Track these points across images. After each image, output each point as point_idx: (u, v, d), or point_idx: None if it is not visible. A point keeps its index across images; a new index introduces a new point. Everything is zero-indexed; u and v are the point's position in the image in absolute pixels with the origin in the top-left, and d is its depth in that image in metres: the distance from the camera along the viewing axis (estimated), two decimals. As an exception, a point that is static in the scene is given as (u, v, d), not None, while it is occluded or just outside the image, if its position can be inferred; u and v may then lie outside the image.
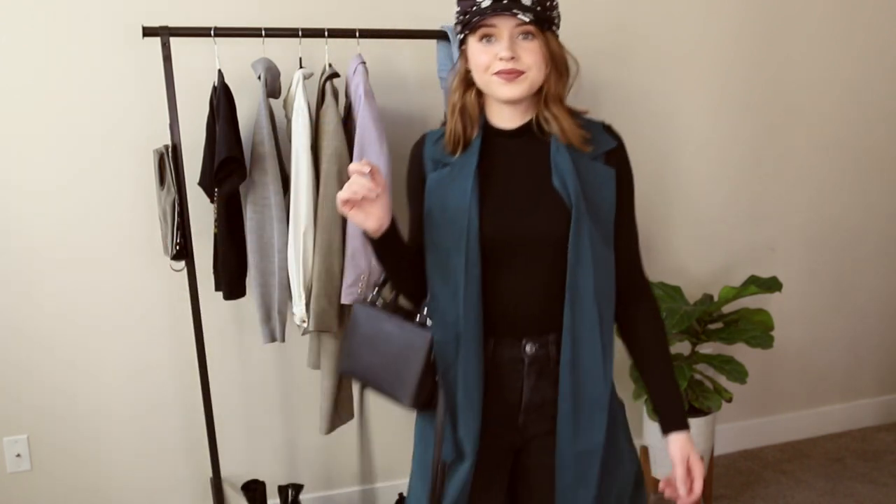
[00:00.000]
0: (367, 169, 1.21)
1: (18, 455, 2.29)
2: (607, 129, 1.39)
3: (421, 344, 1.35)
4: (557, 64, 1.32)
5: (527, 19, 1.25)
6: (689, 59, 2.71)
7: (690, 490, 1.39)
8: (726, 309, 2.59)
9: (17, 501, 2.32)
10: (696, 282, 2.86)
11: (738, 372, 2.47)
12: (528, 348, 1.37)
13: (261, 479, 2.40)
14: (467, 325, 1.33)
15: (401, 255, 1.37)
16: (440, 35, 2.16)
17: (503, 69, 1.27)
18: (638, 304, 1.44)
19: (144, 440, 2.39)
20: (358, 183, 1.21)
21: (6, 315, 2.21)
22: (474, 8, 1.27)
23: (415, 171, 1.43)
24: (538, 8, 1.26)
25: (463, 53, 1.35)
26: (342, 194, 1.22)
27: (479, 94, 1.36)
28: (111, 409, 2.34)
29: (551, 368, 1.38)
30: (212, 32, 1.97)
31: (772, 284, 2.50)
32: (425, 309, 1.40)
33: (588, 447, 1.37)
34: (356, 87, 2.01)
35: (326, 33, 2.03)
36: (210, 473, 2.28)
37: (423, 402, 1.38)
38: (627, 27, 2.61)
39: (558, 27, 1.33)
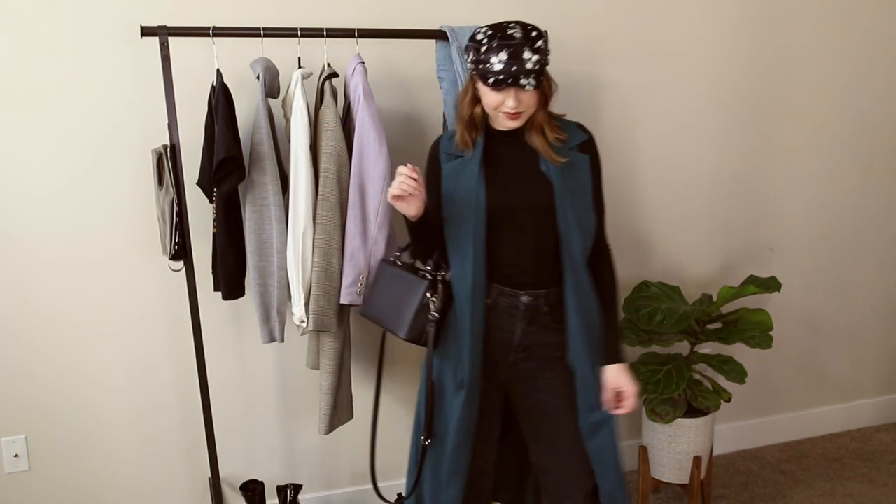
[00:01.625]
0: (415, 175, 1.62)
1: (16, 455, 2.29)
2: (580, 127, 1.81)
3: (417, 289, 1.80)
4: (546, 99, 1.71)
5: (531, 87, 1.63)
6: (687, 59, 2.71)
7: (620, 408, 1.79)
8: (725, 309, 2.59)
9: (15, 502, 2.31)
10: (695, 281, 2.86)
11: (736, 372, 2.47)
12: (523, 299, 1.76)
13: (259, 479, 2.40)
14: (475, 279, 1.72)
15: (428, 230, 1.78)
16: (439, 35, 2.16)
17: (509, 112, 1.66)
18: (598, 259, 1.80)
19: (143, 440, 2.39)
20: (406, 183, 1.62)
21: (4, 315, 2.21)
22: (488, 67, 1.61)
23: (432, 164, 1.84)
24: (538, 67, 1.61)
25: (473, 80, 1.72)
26: (393, 190, 1.64)
27: (483, 110, 1.74)
28: (110, 409, 2.34)
29: (540, 317, 1.77)
30: (210, 32, 1.97)
31: (771, 284, 2.50)
32: (428, 265, 1.82)
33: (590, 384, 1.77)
34: (355, 86, 2.01)
35: (325, 33, 2.03)
36: (209, 473, 2.28)
37: (415, 336, 1.80)
38: (626, 27, 2.61)
39: (548, 65, 1.67)
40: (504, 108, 1.65)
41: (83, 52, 2.14)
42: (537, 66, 1.61)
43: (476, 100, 1.73)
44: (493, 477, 1.95)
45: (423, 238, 1.81)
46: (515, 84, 1.61)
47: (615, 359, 1.78)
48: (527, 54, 1.59)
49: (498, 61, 1.59)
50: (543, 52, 1.63)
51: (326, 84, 2.02)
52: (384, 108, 2.23)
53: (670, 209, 2.81)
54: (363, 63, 2.04)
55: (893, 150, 3.06)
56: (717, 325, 2.60)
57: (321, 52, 2.05)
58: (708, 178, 2.83)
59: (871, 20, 2.90)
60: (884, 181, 3.07)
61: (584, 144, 1.77)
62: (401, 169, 1.63)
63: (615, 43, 2.62)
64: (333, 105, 2.01)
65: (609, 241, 1.84)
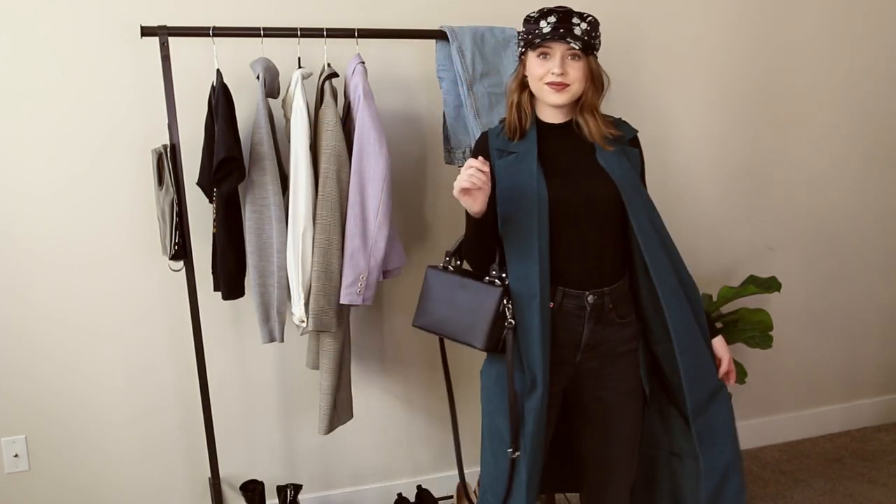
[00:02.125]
0: (486, 168, 1.56)
1: (16, 455, 2.29)
2: (626, 123, 1.82)
3: (493, 297, 1.70)
4: (595, 80, 1.71)
5: (577, 47, 1.64)
6: (687, 58, 2.71)
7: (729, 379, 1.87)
8: (725, 309, 2.59)
9: (15, 502, 2.31)
10: (695, 281, 2.86)
11: (736, 372, 2.46)
12: (589, 299, 1.72)
13: (259, 479, 2.39)
14: (541, 280, 1.66)
15: (492, 231, 1.72)
16: (439, 35, 2.16)
17: (553, 81, 1.66)
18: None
19: (143, 440, 2.39)
20: (476, 176, 1.55)
21: (4, 315, 2.21)
22: (537, 31, 1.66)
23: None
24: (586, 38, 1.66)
25: (522, 62, 1.73)
26: (462, 183, 1.56)
27: (531, 95, 1.74)
28: (110, 409, 2.34)
29: (605, 315, 1.74)
30: (210, 32, 1.97)
31: (771, 284, 2.50)
32: (493, 270, 1.74)
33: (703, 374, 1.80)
34: (355, 86, 2.01)
35: (325, 33, 2.03)
36: (209, 473, 2.28)
37: (493, 345, 1.72)
38: (626, 26, 2.61)
39: (598, 51, 1.71)
40: (549, 77, 1.65)
41: (83, 52, 2.14)
42: (586, 37, 1.64)
43: (524, 85, 1.73)
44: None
45: (483, 238, 1.73)
46: (562, 39, 1.62)
47: (715, 332, 1.85)
48: (576, 20, 1.65)
49: (546, 24, 1.64)
50: (594, 27, 1.67)
51: (326, 84, 2.02)
52: (384, 108, 2.22)
53: (670, 209, 2.80)
54: (363, 63, 2.04)
55: (894, 149, 3.06)
56: (717, 324, 2.60)
57: (321, 52, 2.05)
58: (707, 177, 2.83)
59: (870, 19, 2.90)
60: (884, 181, 3.07)
61: (635, 140, 1.81)
62: (471, 161, 1.56)
63: (615, 43, 2.61)
64: (333, 105, 2.01)
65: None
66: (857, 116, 2.97)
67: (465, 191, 1.58)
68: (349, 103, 2.06)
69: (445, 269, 1.82)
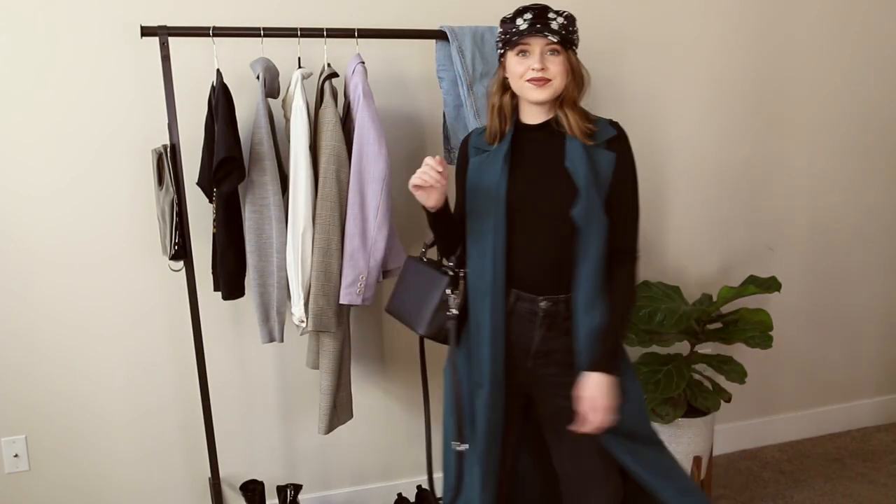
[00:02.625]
0: (441, 168, 1.62)
1: (16, 455, 2.29)
2: (612, 124, 1.73)
3: (439, 285, 1.79)
4: (575, 75, 1.68)
5: (555, 39, 1.62)
6: (686, 58, 2.71)
7: (583, 423, 1.68)
8: (725, 309, 2.59)
9: (15, 502, 2.31)
10: (695, 282, 2.86)
11: (736, 372, 2.47)
12: (542, 304, 1.70)
13: (259, 479, 2.40)
14: (494, 278, 1.68)
15: (448, 224, 1.77)
16: (439, 35, 2.16)
17: (534, 77, 1.64)
18: (619, 264, 1.70)
19: (143, 440, 2.39)
20: (429, 174, 1.62)
21: (4, 315, 2.21)
22: (514, 30, 1.65)
23: (462, 158, 1.83)
24: (563, 32, 1.63)
25: (502, 64, 1.72)
26: (414, 180, 1.63)
27: (513, 96, 1.73)
28: (110, 409, 2.34)
29: (559, 322, 1.71)
30: (210, 32, 1.97)
31: (771, 284, 2.50)
32: (451, 261, 1.80)
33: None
34: (355, 86, 2.01)
35: (325, 33, 2.03)
36: (209, 473, 2.28)
37: (433, 333, 1.80)
38: (625, 26, 2.61)
39: (577, 47, 1.69)
40: (529, 73, 1.63)
41: (83, 52, 2.14)
42: (563, 31, 1.63)
43: (505, 88, 1.72)
44: (510, 483, 1.88)
45: (442, 232, 1.79)
46: (540, 33, 1.61)
47: (599, 366, 1.65)
48: (552, 15, 1.63)
49: (523, 21, 1.63)
50: (571, 21, 1.65)
51: (326, 84, 2.02)
52: (384, 108, 2.22)
53: (670, 209, 2.81)
54: (363, 63, 2.04)
55: (893, 149, 3.05)
56: (717, 325, 2.60)
57: (321, 52, 2.05)
58: (708, 178, 2.83)
59: (869, 18, 2.90)
60: (884, 181, 3.06)
61: (612, 141, 1.70)
62: (427, 160, 1.63)
63: (615, 42, 2.62)
64: (333, 105, 2.01)
65: (637, 250, 1.74)
66: (856, 116, 2.96)
67: (418, 187, 1.64)
68: (349, 103, 2.06)
69: (420, 259, 1.88)
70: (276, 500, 2.37)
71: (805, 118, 2.90)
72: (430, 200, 1.67)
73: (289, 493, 2.35)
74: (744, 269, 2.89)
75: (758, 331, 2.48)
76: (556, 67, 1.64)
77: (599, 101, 2.60)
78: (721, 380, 2.60)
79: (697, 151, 2.80)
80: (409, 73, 2.39)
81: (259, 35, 1.99)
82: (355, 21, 2.13)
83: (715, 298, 2.55)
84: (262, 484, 2.37)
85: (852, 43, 2.89)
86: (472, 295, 1.74)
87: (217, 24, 1.99)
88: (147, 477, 2.41)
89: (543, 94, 1.66)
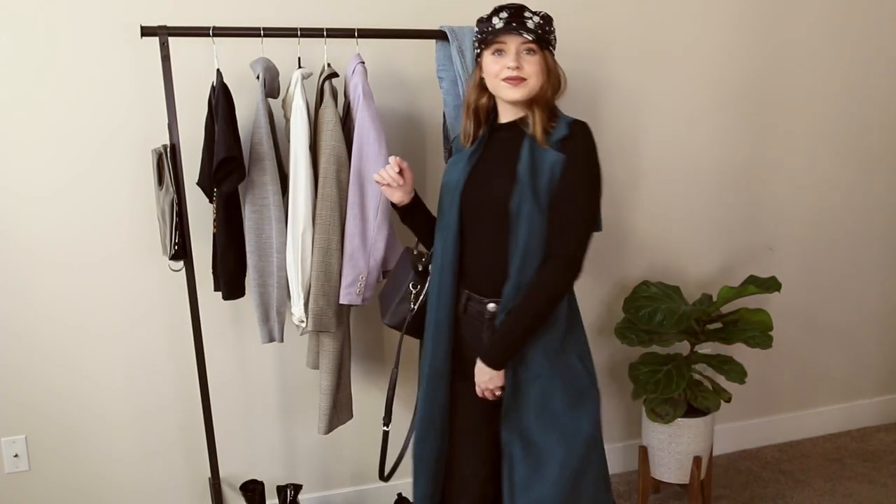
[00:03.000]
0: (397, 168, 1.77)
1: (16, 455, 2.29)
2: (571, 124, 1.68)
3: (405, 277, 1.87)
4: (551, 76, 1.68)
5: (530, 38, 1.62)
6: (687, 59, 2.71)
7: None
8: (725, 309, 2.59)
9: (15, 502, 2.31)
10: (695, 282, 2.86)
11: (736, 372, 2.47)
12: (489, 307, 1.72)
13: (259, 479, 2.40)
14: (441, 278, 1.74)
15: (417, 220, 1.89)
16: (439, 35, 2.16)
17: (509, 76, 1.64)
18: (542, 268, 1.66)
19: (143, 440, 2.39)
20: (387, 173, 1.79)
21: (4, 315, 2.21)
22: (490, 28, 1.65)
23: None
24: (539, 31, 1.64)
25: (479, 65, 1.73)
26: (374, 177, 1.83)
27: (490, 97, 1.74)
28: (110, 409, 2.34)
29: None
30: (210, 32, 1.97)
31: (771, 284, 2.50)
32: (425, 256, 1.87)
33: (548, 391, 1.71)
34: (355, 86, 2.01)
35: (325, 33, 2.03)
36: (209, 473, 2.28)
37: (395, 324, 1.89)
38: (625, 27, 2.61)
39: (554, 47, 1.70)
40: (504, 72, 1.63)
41: (83, 52, 2.14)
42: (539, 30, 1.63)
43: (482, 88, 1.72)
44: (484, 480, 1.84)
45: (413, 227, 1.91)
46: (515, 32, 1.61)
47: (483, 355, 1.69)
48: (528, 14, 1.64)
49: (499, 20, 1.64)
50: (547, 21, 1.65)
51: (326, 84, 2.02)
52: (384, 108, 2.22)
53: (670, 209, 2.81)
54: (363, 63, 2.04)
55: (893, 149, 3.05)
56: (717, 325, 2.60)
57: (321, 52, 2.05)
58: (708, 178, 2.83)
59: (868, 19, 2.90)
60: (884, 181, 3.06)
61: (563, 140, 1.64)
62: (390, 159, 1.78)
63: (615, 42, 2.62)
64: (333, 105, 2.01)
65: (575, 257, 1.64)
66: (856, 117, 2.96)
67: (378, 183, 1.81)
68: (349, 103, 2.06)
69: (411, 251, 1.93)
70: (276, 500, 2.37)
71: (805, 118, 2.90)
72: (394, 197, 1.83)
73: (289, 493, 2.35)
74: (744, 269, 2.89)
75: (758, 331, 2.48)
76: (531, 67, 1.64)
77: (601, 103, 2.61)
78: (721, 380, 2.60)
79: (697, 151, 2.80)
80: (409, 73, 2.39)
81: (259, 35, 1.99)
82: (355, 21, 2.13)
83: (715, 298, 2.55)
84: (262, 484, 2.37)
85: (852, 43, 2.89)
86: (429, 291, 1.80)
87: (217, 24, 1.99)
88: (147, 477, 2.41)
89: (518, 93, 1.65)
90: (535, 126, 1.66)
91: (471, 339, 1.77)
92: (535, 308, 1.65)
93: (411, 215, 1.88)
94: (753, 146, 2.86)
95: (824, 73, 2.89)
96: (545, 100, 1.68)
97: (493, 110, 1.76)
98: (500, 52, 1.66)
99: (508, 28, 1.62)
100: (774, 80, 2.83)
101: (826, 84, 2.90)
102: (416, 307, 1.84)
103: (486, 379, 1.71)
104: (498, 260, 1.67)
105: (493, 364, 1.69)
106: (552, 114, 1.70)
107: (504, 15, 1.64)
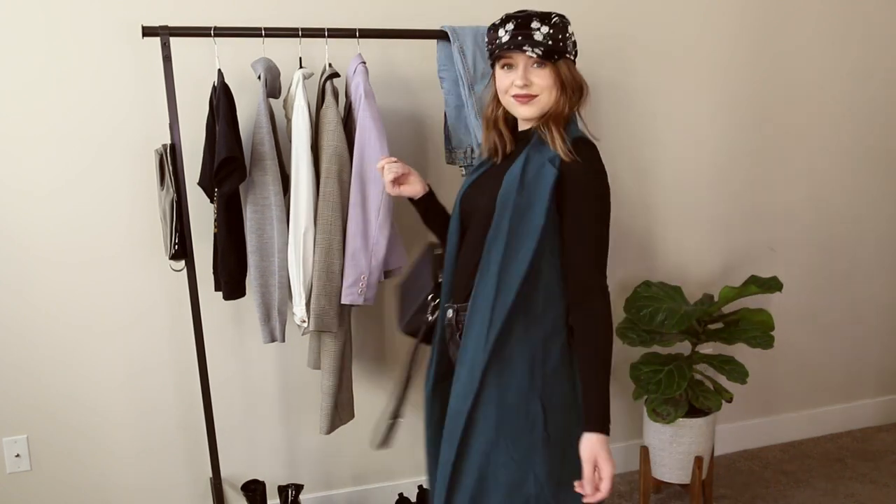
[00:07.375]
0: (394, 159, 1.74)
1: (18, 455, 2.29)
2: (575, 141, 1.52)
3: (426, 287, 1.78)
4: (566, 88, 1.53)
5: (535, 55, 1.49)
6: (689, 61, 2.71)
7: (597, 489, 1.46)
8: (726, 309, 2.59)
9: (16, 502, 2.32)
10: (697, 282, 2.86)
11: (738, 372, 2.47)
12: (448, 312, 1.67)
13: (261, 479, 2.40)
14: (443, 286, 1.69)
15: (437, 214, 1.81)
16: (440, 35, 2.16)
17: (518, 93, 1.52)
18: (578, 308, 1.51)
19: (144, 440, 2.39)
20: (391, 169, 1.72)
21: (5, 315, 2.21)
22: (496, 42, 1.53)
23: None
24: (549, 42, 1.49)
25: (493, 76, 1.60)
26: (388, 177, 1.73)
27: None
28: (111, 409, 2.34)
29: None
30: (212, 32, 1.97)
31: (772, 284, 2.50)
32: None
33: (456, 408, 1.55)
34: (356, 86, 2.01)
35: (326, 33, 2.03)
36: (210, 473, 2.28)
37: (410, 332, 1.83)
38: (626, 29, 2.61)
39: (574, 54, 1.56)
40: (513, 89, 1.52)
41: (84, 52, 2.14)
42: (548, 41, 1.48)
43: (498, 101, 1.61)
44: None
45: (433, 227, 1.82)
46: (519, 48, 1.48)
47: (594, 426, 1.46)
48: (535, 24, 1.49)
49: (505, 32, 1.51)
50: (558, 29, 1.49)
51: (328, 84, 2.02)
52: (385, 108, 2.22)
53: (672, 209, 2.81)
54: (364, 63, 2.04)
55: (894, 150, 3.05)
56: (719, 325, 2.60)
57: (322, 52, 2.05)
58: (709, 178, 2.83)
59: (870, 22, 2.90)
60: (886, 182, 3.06)
61: (564, 162, 1.49)
62: (382, 160, 1.75)
63: (616, 44, 2.62)
64: (335, 105, 2.01)
65: (600, 284, 1.50)
66: (858, 117, 2.96)
67: (395, 184, 1.74)
68: (350, 103, 2.06)
69: (433, 249, 1.85)
70: (278, 501, 2.37)
71: (807, 119, 2.90)
72: (417, 186, 1.76)
73: (290, 493, 2.35)
74: (745, 269, 2.89)
75: (759, 331, 2.48)
76: (542, 81, 1.51)
77: (602, 104, 2.60)
78: (722, 380, 2.60)
79: (699, 152, 2.79)
80: (410, 74, 2.39)
81: (260, 35, 1.99)
82: (356, 21, 2.13)
83: (716, 298, 2.55)
84: (263, 484, 2.37)
85: (855, 45, 2.89)
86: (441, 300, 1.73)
87: (218, 25, 1.99)
88: (148, 477, 2.41)
89: (529, 110, 1.54)
90: (555, 143, 1.50)
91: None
92: (603, 351, 1.48)
93: (429, 208, 1.79)
94: (755, 147, 2.86)
95: (826, 76, 2.88)
96: (560, 114, 1.53)
97: (509, 120, 1.64)
98: (509, 66, 1.54)
99: (513, 43, 1.49)
100: (777, 82, 2.83)
101: (828, 86, 2.90)
102: (432, 318, 1.76)
103: (605, 457, 1.44)
104: (474, 268, 1.56)
105: (604, 428, 1.46)
106: (567, 124, 1.55)
107: (510, 27, 1.50)
